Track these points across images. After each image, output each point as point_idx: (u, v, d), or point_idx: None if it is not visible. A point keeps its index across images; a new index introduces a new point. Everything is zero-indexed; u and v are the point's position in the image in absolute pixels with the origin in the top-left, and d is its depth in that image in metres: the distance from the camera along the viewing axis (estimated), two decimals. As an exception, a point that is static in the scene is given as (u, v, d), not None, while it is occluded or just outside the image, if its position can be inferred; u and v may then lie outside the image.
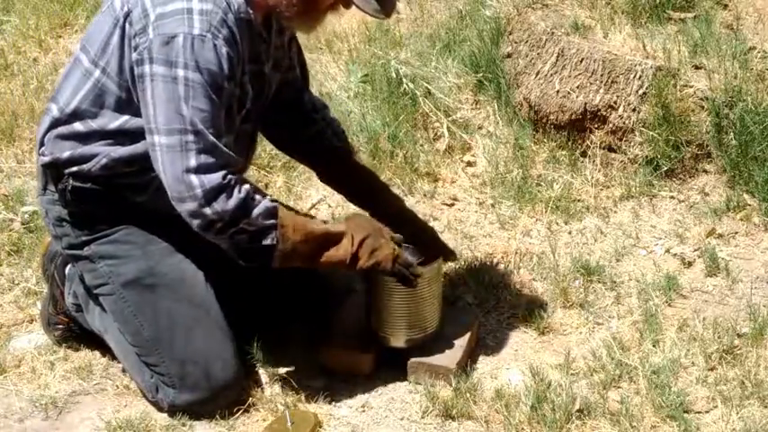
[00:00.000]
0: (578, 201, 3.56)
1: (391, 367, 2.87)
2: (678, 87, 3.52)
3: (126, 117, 2.63)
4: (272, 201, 2.61)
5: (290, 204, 3.53)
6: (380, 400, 2.80)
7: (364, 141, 3.71)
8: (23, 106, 4.09)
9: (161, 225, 2.70)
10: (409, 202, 3.40)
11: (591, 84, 3.59)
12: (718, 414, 2.69)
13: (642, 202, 3.55)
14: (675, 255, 3.32)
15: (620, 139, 3.61)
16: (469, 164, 3.74)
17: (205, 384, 2.71)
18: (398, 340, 2.84)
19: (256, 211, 2.54)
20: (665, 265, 3.28)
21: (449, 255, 3.05)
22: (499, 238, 3.42)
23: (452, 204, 3.60)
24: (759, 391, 2.74)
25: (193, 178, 2.49)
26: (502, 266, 3.29)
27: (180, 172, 2.50)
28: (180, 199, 2.51)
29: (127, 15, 2.55)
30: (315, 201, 3.62)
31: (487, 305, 3.14)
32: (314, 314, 3.00)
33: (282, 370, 2.81)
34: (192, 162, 2.49)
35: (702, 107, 3.52)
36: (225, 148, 2.53)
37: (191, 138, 2.49)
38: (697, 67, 3.60)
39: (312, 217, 2.75)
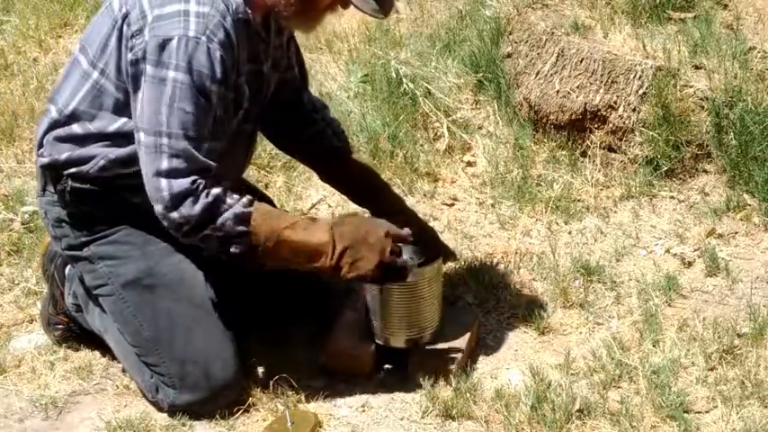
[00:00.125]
0: (578, 201, 3.56)
1: (391, 367, 2.87)
2: (678, 87, 3.52)
3: (124, 119, 2.63)
4: (248, 206, 2.55)
5: (290, 204, 3.55)
6: (380, 400, 2.80)
7: (364, 141, 3.71)
8: (23, 106, 4.09)
9: (160, 225, 2.70)
10: (409, 202, 3.40)
11: (591, 84, 3.59)
12: (718, 414, 2.69)
13: (642, 202, 3.55)
14: (675, 255, 3.32)
15: (620, 139, 3.61)
16: (469, 164, 3.74)
17: (205, 384, 2.71)
18: (398, 340, 2.84)
19: (225, 217, 2.52)
20: (665, 265, 3.28)
21: (448, 255, 3.05)
22: (499, 238, 3.42)
23: (452, 204, 3.60)
24: (759, 391, 2.74)
25: (163, 182, 2.50)
26: (502, 266, 3.29)
27: (151, 173, 2.51)
28: (152, 199, 2.54)
29: (125, 17, 2.56)
30: (315, 201, 3.62)
31: (487, 305, 3.14)
32: (314, 314, 3.00)
33: (282, 370, 2.81)
34: (164, 165, 2.50)
35: (702, 107, 3.52)
36: (198, 154, 2.51)
37: (165, 140, 2.49)
38: (697, 67, 3.60)
39: (297, 219, 2.62)
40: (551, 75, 3.67)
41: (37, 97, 4.12)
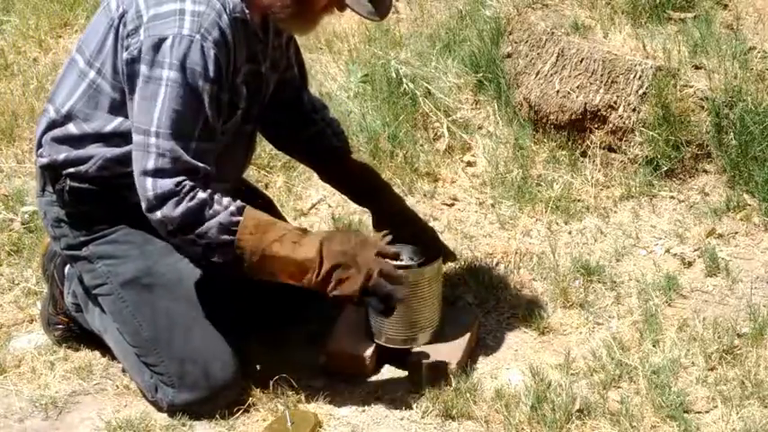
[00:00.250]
0: (578, 201, 3.56)
1: (391, 367, 2.87)
2: (678, 87, 3.52)
3: (120, 119, 2.63)
4: (236, 215, 2.51)
5: (290, 204, 3.55)
6: (380, 400, 2.80)
7: (364, 141, 3.71)
8: (23, 106, 4.09)
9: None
10: (409, 201, 3.40)
11: (591, 84, 3.59)
12: (718, 414, 2.69)
13: (642, 202, 3.55)
14: (675, 255, 3.32)
15: (620, 139, 3.61)
16: (469, 164, 3.74)
17: (204, 384, 2.70)
18: (398, 340, 2.84)
19: (209, 225, 2.49)
20: (665, 265, 3.28)
21: (448, 255, 3.05)
22: (499, 238, 3.42)
23: (452, 204, 3.60)
24: (759, 391, 2.73)
25: (148, 181, 2.50)
26: (502, 266, 3.29)
27: (138, 172, 2.51)
28: (140, 195, 2.53)
29: (122, 16, 2.56)
30: (315, 201, 3.62)
31: (487, 305, 3.14)
32: (314, 314, 3.00)
33: (282, 370, 2.81)
34: (150, 164, 2.50)
35: (702, 107, 3.52)
36: (185, 155, 2.50)
37: (153, 140, 2.49)
38: (697, 67, 3.60)
39: (287, 231, 2.56)
40: (551, 75, 3.67)
41: (37, 97, 4.12)
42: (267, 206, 3.14)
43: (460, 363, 2.83)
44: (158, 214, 2.51)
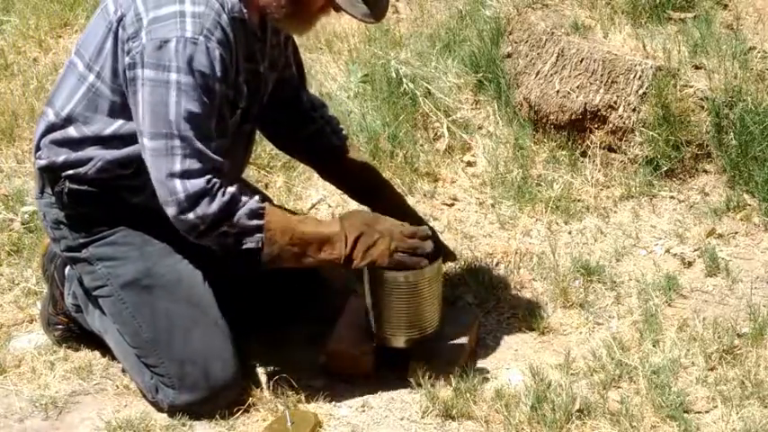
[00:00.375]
0: (578, 201, 3.56)
1: (391, 367, 2.87)
2: (678, 87, 3.52)
3: (120, 122, 2.63)
4: (261, 202, 2.59)
5: (290, 204, 3.55)
6: (380, 400, 2.80)
7: (364, 141, 3.71)
8: (23, 106, 4.09)
9: (159, 226, 2.69)
10: (409, 201, 3.40)
11: (591, 84, 3.59)
12: (718, 414, 2.69)
13: (642, 202, 3.55)
14: (675, 255, 3.32)
15: (620, 139, 3.61)
16: (469, 164, 3.74)
17: (204, 384, 2.70)
18: (398, 340, 2.84)
19: (240, 213, 2.54)
20: (665, 265, 3.28)
21: (448, 255, 3.05)
22: (499, 238, 3.42)
23: (452, 204, 3.60)
24: (759, 391, 2.73)
25: (177, 183, 2.50)
26: (502, 266, 3.29)
27: (164, 176, 2.51)
28: (164, 202, 2.53)
29: (120, 20, 2.55)
30: (315, 201, 3.62)
31: (487, 305, 3.14)
32: (314, 314, 3.00)
33: (282, 370, 2.81)
34: (177, 167, 2.50)
35: (702, 107, 3.52)
36: (211, 153, 2.52)
37: (177, 142, 2.49)
38: (697, 67, 3.60)
39: (307, 216, 2.71)
40: (551, 75, 3.67)
41: (37, 97, 4.12)
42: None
43: (460, 363, 2.83)
44: (191, 216, 2.51)
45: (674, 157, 3.54)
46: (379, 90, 3.92)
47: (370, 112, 3.85)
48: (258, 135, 3.00)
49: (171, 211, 2.53)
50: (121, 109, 2.61)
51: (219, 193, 2.52)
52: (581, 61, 3.60)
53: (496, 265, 3.29)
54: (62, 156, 2.68)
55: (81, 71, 2.65)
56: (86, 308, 2.88)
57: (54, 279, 2.98)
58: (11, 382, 2.87)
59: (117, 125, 2.63)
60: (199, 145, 2.50)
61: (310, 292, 2.96)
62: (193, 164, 2.50)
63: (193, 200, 2.50)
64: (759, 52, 3.63)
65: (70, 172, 2.68)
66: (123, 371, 2.88)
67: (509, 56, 3.84)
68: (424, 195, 3.62)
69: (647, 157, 3.58)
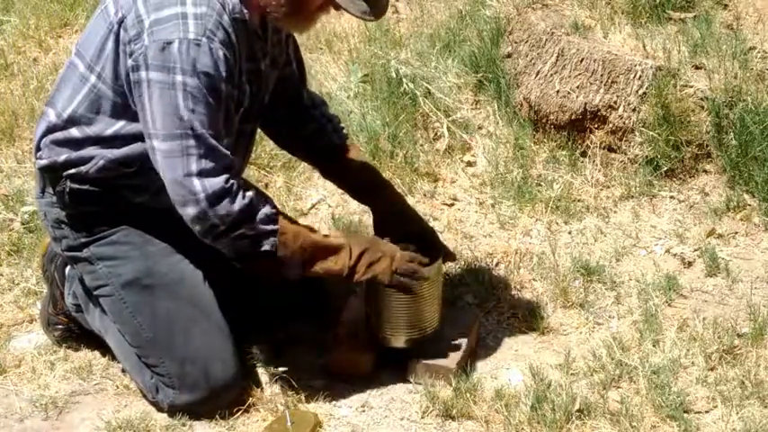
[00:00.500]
0: (578, 201, 3.56)
1: (391, 367, 2.87)
2: (678, 87, 3.52)
3: (122, 123, 2.63)
4: (273, 206, 2.62)
5: (290, 204, 3.55)
6: (380, 400, 2.80)
7: (364, 141, 3.71)
8: (23, 106, 4.09)
9: (160, 225, 2.70)
10: (409, 201, 3.39)
11: (591, 84, 3.59)
12: (718, 414, 2.69)
13: (642, 202, 3.55)
14: (675, 255, 3.32)
15: (620, 139, 3.61)
16: (469, 164, 3.74)
17: (204, 384, 2.70)
18: (398, 340, 2.84)
19: (259, 216, 2.56)
20: (665, 265, 3.28)
21: (448, 255, 3.05)
22: (499, 238, 3.42)
23: (452, 204, 3.60)
24: (759, 391, 2.74)
25: (196, 182, 2.50)
26: (502, 266, 3.29)
27: (181, 176, 2.50)
28: (182, 203, 2.52)
29: (121, 21, 2.55)
30: (315, 201, 3.62)
31: (487, 305, 3.14)
32: (314, 314, 3.00)
33: (282, 370, 2.81)
34: (194, 167, 2.50)
35: (702, 107, 3.52)
36: (225, 151, 2.53)
37: (192, 142, 2.49)
38: (697, 67, 3.60)
39: (312, 229, 2.72)
40: (551, 75, 3.67)
41: (37, 97, 4.12)
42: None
43: (460, 363, 2.83)
44: (211, 215, 2.51)
45: (674, 157, 3.54)
46: (379, 90, 3.92)
47: (370, 112, 3.85)
48: (259, 134, 3.00)
49: (190, 210, 2.52)
50: (123, 110, 2.61)
51: (240, 195, 2.53)
52: (581, 61, 3.60)
53: (496, 265, 3.29)
54: (63, 155, 2.68)
55: (82, 72, 2.65)
56: (87, 307, 2.88)
57: (54, 279, 2.98)
58: (11, 382, 2.87)
59: (119, 126, 2.63)
60: (213, 143, 2.51)
61: (310, 293, 2.96)
62: (209, 163, 2.51)
63: (214, 199, 2.51)
64: (759, 52, 3.63)
65: (71, 171, 2.68)
66: (123, 371, 2.88)
67: (509, 56, 3.84)
68: (424, 195, 3.62)
69: (647, 157, 3.58)
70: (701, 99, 3.52)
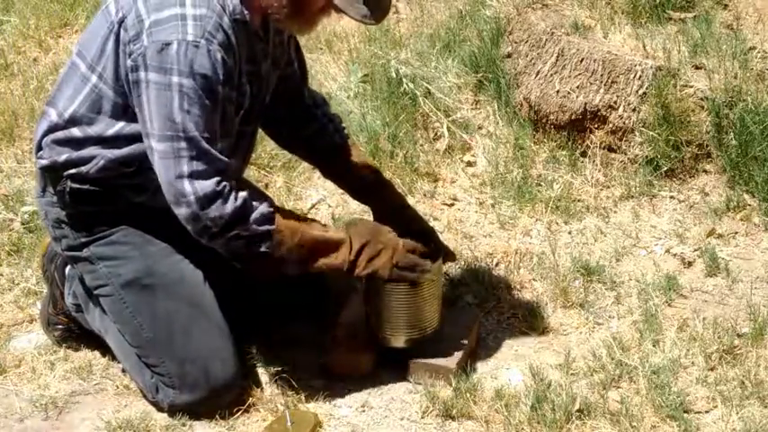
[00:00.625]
0: (578, 201, 3.56)
1: (391, 367, 2.87)
2: (678, 87, 3.52)
3: (122, 123, 2.63)
4: (270, 206, 2.61)
5: (290, 204, 3.55)
6: (380, 400, 2.80)
7: (364, 141, 3.71)
8: (23, 106, 4.09)
9: (160, 225, 2.70)
10: (409, 201, 3.39)
11: (591, 84, 3.59)
12: (718, 414, 2.69)
13: (642, 202, 3.55)
14: (675, 255, 3.32)
15: (620, 139, 3.61)
16: (469, 164, 3.74)
17: (204, 384, 2.70)
18: (398, 340, 2.84)
19: (252, 217, 2.56)
20: (665, 265, 3.28)
21: (448, 255, 3.05)
22: (499, 238, 3.42)
23: (452, 204, 3.60)
24: (759, 391, 2.74)
25: (186, 185, 2.50)
26: (502, 266, 3.29)
27: (173, 178, 2.51)
28: (175, 203, 2.54)
29: (121, 21, 2.55)
30: (315, 201, 3.62)
31: (487, 305, 3.14)
32: (314, 314, 3.00)
33: (282, 370, 2.81)
34: (185, 168, 2.50)
35: (702, 107, 3.53)
36: (218, 154, 2.53)
37: (183, 144, 2.50)
38: (697, 67, 3.60)
39: (312, 220, 2.73)
40: (551, 75, 3.67)
41: (37, 97, 4.12)
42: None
43: (460, 363, 2.83)
44: (203, 218, 2.52)
45: (674, 157, 3.54)
46: (379, 90, 3.92)
47: (370, 112, 3.85)
48: (259, 134, 3.00)
49: (183, 211, 2.53)
50: (124, 110, 2.62)
51: (232, 197, 2.53)
52: (581, 61, 3.60)
53: (496, 265, 3.29)
54: (64, 155, 2.68)
55: (83, 72, 2.65)
56: (87, 307, 2.88)
57: (54, 279, 2.98)
58: (11, 382, 2.87)
59: (120, 126, 2.64)
60: (205, 146, 2.51)
61: (310, 292, 2.96)
62: (201, 165, 2.51)
63: (205, 201, 2.51)
64: (759, 52, 3.63)
65: (72, 171, 2.68)
66: (123, 371, 2.88)
67: (509, 56, 3.84)
68: (424, 195, 3.62)
69: (647, 157, 3.58)
70: (701, 99, 3.52)
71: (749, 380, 2.77)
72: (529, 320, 3.06)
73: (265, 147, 3.61)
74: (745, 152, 3.46)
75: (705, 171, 3.58)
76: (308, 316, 3.00)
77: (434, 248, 2.91)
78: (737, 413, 2.68)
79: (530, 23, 3.77)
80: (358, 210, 3.45)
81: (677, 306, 3.11)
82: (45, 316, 3.01)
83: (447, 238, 3.32)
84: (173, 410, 2.73)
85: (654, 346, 2.92)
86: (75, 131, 2.67)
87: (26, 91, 4.22)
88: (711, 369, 2.84)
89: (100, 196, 2.70)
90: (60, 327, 2.99)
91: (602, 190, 3.59)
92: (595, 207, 3.53)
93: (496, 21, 3.97)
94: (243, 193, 2.55)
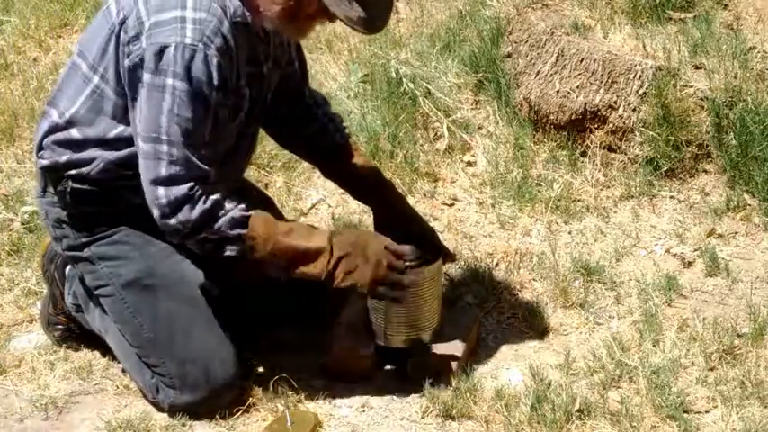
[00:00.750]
0: (578, 201, 3.56)
1: (391, 367, 2.87)
2: (678, 87, 3.52)
3: (122, 126, 2.64)
4: (244, 210, 2.57)
5: (290, 204, 3.55)
6: (380, 400, 2.80)
7: (364, 141, 3.71)
8: (23, 106, 4.09)
9: (160, 226, 2.70)
10: (409, 201, 3.39)
11: (591, 84, 3.59)
12: (718, 414, 2.69)
13: (642, 202, 3.55)
14: (675, 255, 3.32)
15: (620, 139, 3.61)
16: (469, 164, 3.74)
17: (205, 384, 2.70)
18: (398, 340, 2.84)
19: (222, 222, 2.54)
20: (665, 265, 3.28)
21: (448, 255, 3.05)
22: (499, 238, 3.42)
23: (452, 204, 3.60)
24: (759, 391, 2.74)
25: (160, 189, 2.52)
26: (502, 266, 3.29)
27: (149, 179, 2.53)
28: (150, 203, 2.56)
29: (122, 22, 2.56)
30: (315, 201, 3.62)
31: (487, 305, 3.14)
32: (314, 314, 3.00)
33: (282, 370, 2.81)
34: (162, 172, 2.51)
35: (702, 107, 3.52)
36: (198, 161, 2.53)
37: (164, 148, 2.51)
38: (697, 67, 3.60)
39: (300, 226, 2.68)
40: (551, 75, 3.67)
41: (37, 97, 4.12)
42: (267, 206, 3.15)
43: (460, 363, 2.83)
44: (173, 221, 2.53)
45: (674, 157, 3.54)
46: (379, 90, 3.92)
47: (370, 112, 3.85)
48: (260, 134, 3.00)
49: (154, 213, 2.56)
50: (124, 112, 2.62)
51: (201, 201, 2.52)
52: (581, 61, 3.60)
53: (496, 265, 3.29)
54: (65, 156, 2.69)
55: (85, 72, 2.66)
56: (87, 307, 2.88)
57: (54, 279, 2.98)
58: (11, 382, 2.87)
59: (120, 128, 2.64)
60: (185, 152, 2.51)
61: (311, 292, 2.96)
62: (178, 170, 2.51)
63: (175, 206, 2.52)
64: (759, 52, 3.63)
65: (73, 172, 2.68)
66: (123, 371, 2.88)
67: (509, 56, 3.84)
68: (424, 195, 3.62)
69: (647, 157, 3.58)
70: (701, 99, 3.52)
71: (749, 380, 2.77)
72: (529, 320, 3.06)
73: (265, 147, 3.61)
74: (745, 152, 3.46)
75: (705, 171, 3.57)
76: (308, 316, 3.00)
77: (434, 249, 2.92)
78: (737, 413, 2.68)
79: (530, 23, 3.77)
80: (358, 210, 3.45)
81: (677, 306, 3.11)
82: (45, 316, 3.01)
83: (447, 239, 3.32)
84: (173, 410, 2.73)
85: (654, 346, 2.92)
86: (74, 133, 2.67)
87: (26, 91, 4.22)
88: (711, 369, 2.84)
89: (100, 197, 2.70)
90: (60, 327, 2.98)
91: (602, 190, 3.59)
92: (595, 207, 3.53)
93: (496, 21, 3.97)
94: (215, 197, 2.54)
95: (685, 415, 2.67)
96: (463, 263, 3.27)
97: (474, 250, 3.35)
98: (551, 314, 3.09)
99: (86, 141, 2.67)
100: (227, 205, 2.55)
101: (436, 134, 3.82)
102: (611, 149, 3.64)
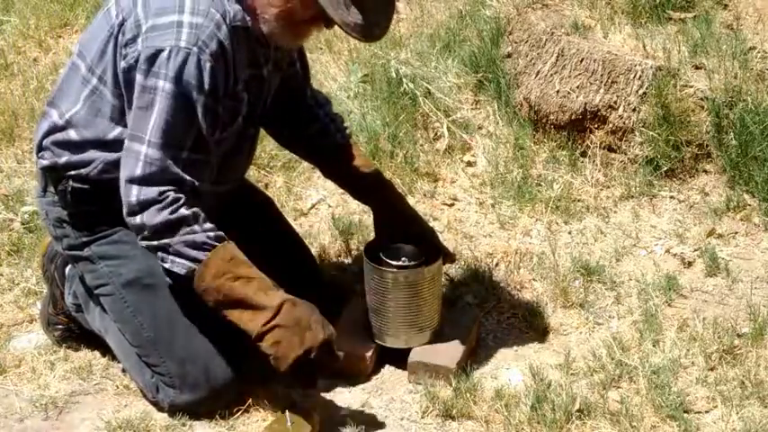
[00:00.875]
0: (578, 201, 3.56)
1: (391, 367, 2.87)
2: (678, 87, 3.52)
3: (120, 128, 2.64)
4: (213, 239, 2.53)
5: (290, 204, 3.55)
6: (380, 400, 2.80)
7: (364, 141, 3.71)
8: (23, 106, 4.09)
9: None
10: (409, 201, 3.39)
11: (591, 84, 3.59)
12: (718, 414, 2.69)
13: (642, 202, 3.55)
14: (675, 255, 3.32)
15: (620, 139, 3.61)
16: (469, 164, 3.74)
17: (205, 384, 2.70)
18: (398, 340, 2.85)
19: (182, 238, 2.52)
20: (665, 265, 3.28)
21: (448, 256, 3.05)
22: (499, 238, 3.42)
23: (452, 204, 3.60)
24: (759, 391, 2.74)
25: (133, 188, 2.52)
26: (502, 266, 3.29)
27: (125, 177, 2.53)
28: (122, 198, 2.55)
29: (121, 24, 2.57)
30: (315, 201, 3.62)
31: (487, 305, 3.14)
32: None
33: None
34: (138, 171, 2.52)
35: (702, 107, 3.53)
36: (174, 166, 2.52)
37: (143, 148, 2.51)
38: (697, 67, 3.60)
39: (262, 279, 2.57)
40: (551, 75, 3.67)
41: (37, 97, 4.12)
42: (267, 205, 3.15)
43: (460, 363, 2.83)
44: (137, 219, 2.53)
45: (674, 157, 3.54)
46: (379, 90, 3.92)
47: (370, 112, 3.85)
48: (260, 134, 3.00)
49: (123, 209, 2.55)
50: (122, 114, 2.63)
51: (169, 209, 2.51)
52: (581, 61, 3.60)
53: (496, 265, 3.29)
54: (64, 157, 2.69)
55: (84, 73, 2.66)
56: (87, 307, 2.89)
57: (54, 279, 2.98)
58: (11, 382, 2.87)
59: (119, 130, 2.64)
60: (163, 155, 2.51)
61: (311, 293, 2.96)
62: (153, 173, 2.51)
63: (141, 206, 2.52)
64: (759, 52, 3.63)
65: (73, 172, 2.69)
66: (123, 371, 2.88)
67: (509, 56, 3.84)
68: (424, 195, 3.62)
69: (647, 157, 3.58)
70: (701, 99, 3.52)
71: (749, 380, 2.77)
72: (529, 320, 3.06)
73: (265, 147, 3.61)
74: (745, 152, 3.46)
75: (705, 171, 3.57)
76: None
77: (434, 249, 2.92)
78: (737, 413, 2.68)
79: (530, 23, 3.77)
80: (358, 210, 3.45)
81: (677, 306, 3.11)
82: (45, 316, 3.01)
83: (447, 239, 3.32)
84: (173, 410, 2.73)
85: (654, 346, 2.92)
86: (72, 134, 2.68)
87: (26, 91, 4.22)
88: (711, 369, 2.84)
89: (101, 196, 2.70)
90: (60, 327, 2.99)
91: (602, 190, 3.59)
92: (595, 207, 3.53)
93: (496, 21, 3.97)
94: (187, 212, 2.51)
95: (685, 415, 2.67)
96: (463, 263, 3.27)
97: (474, 250, 3.35)
98: (551, 314, 3.10)
99: (85, 143, 2.67)
100: (195, 226, 2.53)
101: (436, 134, 3.82)
102: (611, 149, 3.64)
